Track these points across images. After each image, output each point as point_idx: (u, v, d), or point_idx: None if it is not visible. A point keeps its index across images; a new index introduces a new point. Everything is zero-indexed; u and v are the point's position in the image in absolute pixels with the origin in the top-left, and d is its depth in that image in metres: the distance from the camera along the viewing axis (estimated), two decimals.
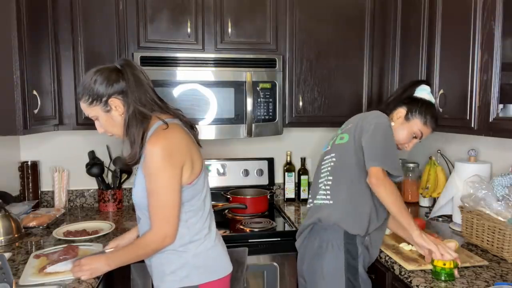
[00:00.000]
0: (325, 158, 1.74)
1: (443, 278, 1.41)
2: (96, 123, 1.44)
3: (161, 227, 1.33)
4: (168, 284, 1.42)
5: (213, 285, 1.43)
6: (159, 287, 1.45)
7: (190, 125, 1.49)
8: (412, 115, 1.72)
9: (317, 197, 1.70)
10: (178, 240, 1.39)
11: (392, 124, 1.70)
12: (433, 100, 1.78)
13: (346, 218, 1.59)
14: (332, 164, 1.68)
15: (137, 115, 1.35)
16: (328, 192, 1.66)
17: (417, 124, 1.72)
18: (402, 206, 1.55)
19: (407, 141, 1.73)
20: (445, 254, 1.46)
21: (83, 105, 1.40)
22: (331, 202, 1.64)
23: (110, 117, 1.39)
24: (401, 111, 1.74)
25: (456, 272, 1.43)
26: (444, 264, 1.41)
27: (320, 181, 1.71)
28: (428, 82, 1.89)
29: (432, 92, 2.01)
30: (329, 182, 1.67)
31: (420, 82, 1.83)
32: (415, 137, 1.74)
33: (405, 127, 1.72)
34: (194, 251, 1.41)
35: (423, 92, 1.77)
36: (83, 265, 1.43)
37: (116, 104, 1.36)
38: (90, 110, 1.40)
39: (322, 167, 1.73)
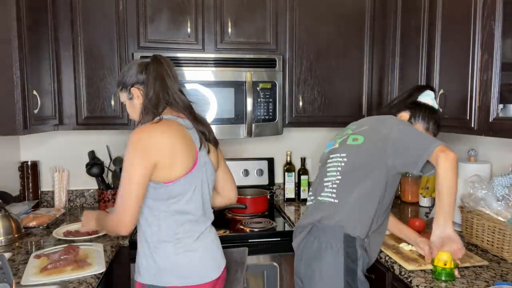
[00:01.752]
0: (332, 156, 1.69)
1: (443, 278, 1.41)
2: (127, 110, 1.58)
3: (119, 213, 1.36)
4: (142, 278, 1.43)
5: None
6: (136, 279, 1.45)
7: (202, 132, 1.48)
8: (415, 120, 1.71)
9: (322, 194, 1.66)
10: (150, 236, 1.41)
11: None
12: (436, 106, 1.77)
13: (349, 219, 1.56)
14: (342, 164, 1.63)
15: (151, 106, 1.43)
16: (335, 191, 1.61)
17: (419, 129, 1.68)
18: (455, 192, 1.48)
19: None
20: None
21: (118, 90, 1.55)
22: (336, 201, 1.60)
23: (132, 104, 1.51)
24: (404, 115, 1.72)
25: (456, 272, 1.43)
26: (445, 264, 1.41)
27: (326, 179, 1.66)
28: (432, 88, 1.85)
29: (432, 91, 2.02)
30: (338, 181, 1.62)
31: (425, 88, 1.81)
32: None
33: None
34: (161, 251, 1.40)
35: (427, 97, 1.75)
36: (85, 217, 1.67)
37: (137, 93, 1.48)
38: (120, 95, 1.54)
39: (329, 165, 1.68)
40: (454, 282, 1.41)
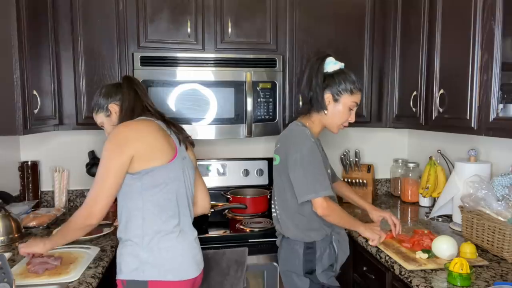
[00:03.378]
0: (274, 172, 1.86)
1: (459, 283, 1.38)
2: (104, 130, 1.65)
3: (88, 204, 1.39)
4: (122, 276, 1.45)
5: (165, 286, 1.43)
6: (118, 277, 1.47)
7: (174, 125, 1.60)
8: (338, 94, 1.72)
9: (272, 208, 1.87)
10: (133, 230, 1.44)
11: (326, 112, 1.73)
12: (341, 65, 1.77)
13: (293, 231, 1.73)
14: (273, 182, 1.84)
15: (127, 116, 1.53)
16: (277, 207, 1.81)
17: (346, 98, 1.72)
18: (347, 220, 1.75)
19: (347, 117, 1.76)
20: (395, 220, 1.84)
21: (93, 115, 1.65)
22: (278, 217, 1.80)
23: (111, 120, 1.61)
24: (328, 97, 1.73)
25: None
26: (462, 270, 1.38)
27: (273, 193, 1.87)
28: (328, 54, 1.82)
29: (432, 91, 2.02)
30: (275, 198, 1.82)
31: (320, 60, 1.77)
32: (351, 109, 1.76)
33: (338, 108, 1.73)
34: (145, 244, 1.43)
35: (330, 65, 1.75)
36: (29, 242, 1.54)
37: (115, 108, 1.59)
38: (96, 118, 1.64)
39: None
40: (454, 282, 1.40)
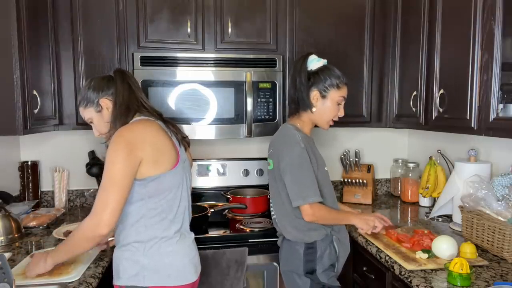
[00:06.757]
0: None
1: (459, 283, 1.38)
2: (93, 127, 1.57)
3: (98, 212, 1.30)
4: (121, 281, 1.42)
5: None
6: (115, 283, 1.45)
7: (172, 125, 1.55)
8: (325, 91, 1.72)
9: (271, 211, 1.87)
10: (134, 236, 1.41)
11: (314, 109, 1.74)
12: (324, 62, 1.77)
13: (293, 233, 1.72)
14: (269, 186, 1.85)
15: (121, 113, 1.46)
16: (274, 211, 1.81)
17: (333, 93, 1.73)
18: (336, 218, 1.75)
19: (336, 112, 1.76)
20: (384, 218, 1.85)
21: (80, 109, 1.55)
22: (277, 220, 1.80)
23: (102, 117, 1.51)
24: (315, 94, 1.73)
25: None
26: (462, 270, 1.38)
27: (269, 196, 1.89)
28: (310, 52, 1.81)
29: (432, 91, 2.02)
30: (272, 202, 1.83)
31: (302, 59, 1.76)
32: (339, 104, 1.76)
33: (326, 104, 1.74)
34: (146, 251, 1.40)
35: (313, 62, 1.75)
36: (31, 263, 1.48)
37: (106, 104, 1.50)
38: (84, 113, 1.54)
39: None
40: (454, 282, 1.40)
